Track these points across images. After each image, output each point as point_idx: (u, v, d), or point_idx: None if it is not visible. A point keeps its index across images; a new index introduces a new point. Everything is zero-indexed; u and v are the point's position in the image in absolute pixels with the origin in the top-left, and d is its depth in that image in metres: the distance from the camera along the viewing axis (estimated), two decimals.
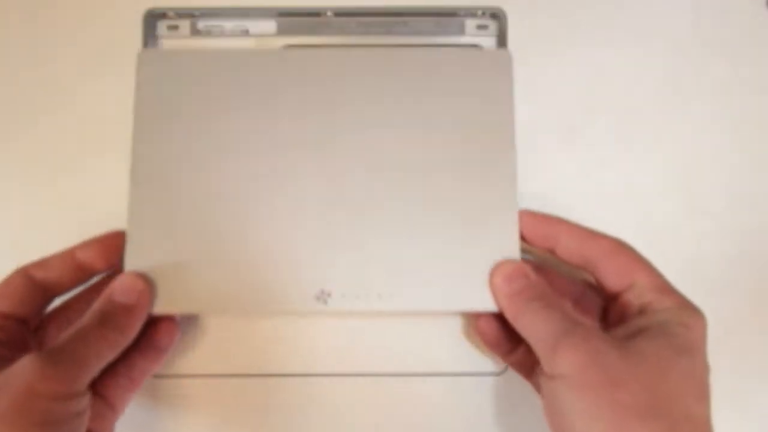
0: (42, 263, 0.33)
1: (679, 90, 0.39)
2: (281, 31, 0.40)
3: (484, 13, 0.40)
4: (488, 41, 0.40)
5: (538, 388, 0.33)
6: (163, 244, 0.34)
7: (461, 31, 0.40)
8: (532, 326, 0.31)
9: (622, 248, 0.33)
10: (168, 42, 0.40)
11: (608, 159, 0.39)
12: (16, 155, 0.38)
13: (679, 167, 0.39)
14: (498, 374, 0.38)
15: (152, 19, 0.39)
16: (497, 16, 0.40)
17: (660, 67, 0.39)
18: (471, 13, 0.40)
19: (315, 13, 0.40)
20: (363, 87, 0.35)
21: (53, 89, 0.38)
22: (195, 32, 0.40)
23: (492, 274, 0.34)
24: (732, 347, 0.38)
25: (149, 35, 0.39)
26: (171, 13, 0.40)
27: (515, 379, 0.37)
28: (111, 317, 0.32)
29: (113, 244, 0.34)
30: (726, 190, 0.39)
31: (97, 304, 0.32)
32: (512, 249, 0.34)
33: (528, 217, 0.34)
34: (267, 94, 0.35)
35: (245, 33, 0.40)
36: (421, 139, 0.35)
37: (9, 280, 0.33)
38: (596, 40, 0.39)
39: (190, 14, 0.40)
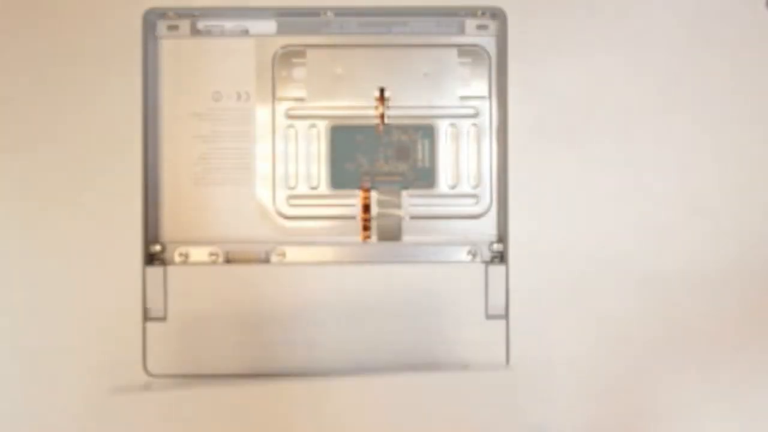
0: None
1: (679, 90, 0.39)
2: (281, 31, 0.40)
3: (483, 13, 0.40)
4: (488, 41, 0.40)
5: None
6: None
7: (461, 31, 0.40)
8: None
9: None
10: (168, 42, 0.40)
11: (608, 159, 0.39)
12: (16, 155, 0.38)
13: (679, 167, 0.39)
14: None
15: (152, 19, 0.39)
16: (497, 16, 0.40)
17: (660, 67, 0.39)
18: (471, 13, 0.40)
19: (315, 13, 0.40)
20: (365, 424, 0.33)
21: (53, 89, 0.38)
22: (195, 32, 0.40)
23: None
24: (732, 347, 0.38)
25: (149, 35, 0.39)
26: (171, 13, 0.40)
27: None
28: None
29: None
30: (726, 190, 0.39)
31: None
32: None
33: None
34: None
35: (245, 33, 0.40)
36: None
37: None
38: (596, 40, 0.39)
39: (190, 14, 0.40)
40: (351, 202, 0.40)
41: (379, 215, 0.40)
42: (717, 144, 0.39)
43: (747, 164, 0.39)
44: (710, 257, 0.39)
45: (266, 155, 0.40)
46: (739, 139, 0.39)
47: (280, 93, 0.40)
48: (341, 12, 0.40)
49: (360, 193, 0.40)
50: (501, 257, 0.39)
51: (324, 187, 0.40)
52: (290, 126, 0.40)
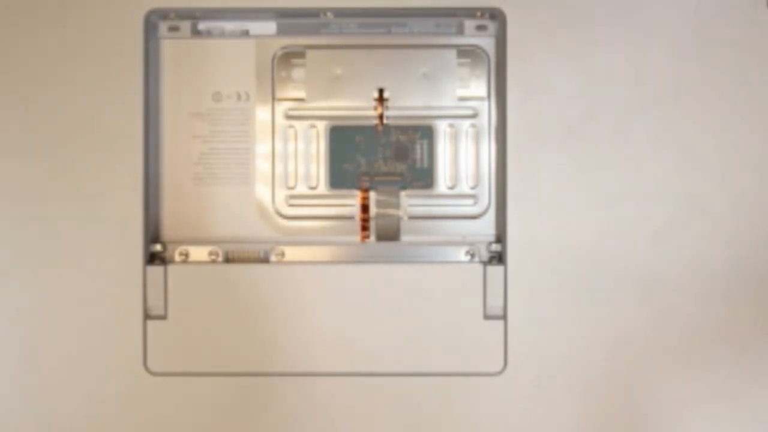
0: None
1: (679, 90, 0.39)
2: (281, 32, 0.40)
3: (483, 14, 0.40)
4: (487, 42, 0.40)
5: None
6: None
7: (460, 31, 0.40)
8: None
9: None
10: (169, 43, 0.40)
11: (608, 159, 0.39)
12: (17, 155, 0.39)
13: (679, 168, 0.39)
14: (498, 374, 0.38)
15: (154, 20, 0.40)
16: (496, 16, 0.40)
17: (660, 67, 0.39)
18: (470, 13, 0.40)
19: (314, 14, 0.40)
20: None
21: (54, 89, 0.39)
22: (195, 33, 0.40)
23: None
24: (732, 348, 0.38)
25: (150, 36, 0.40)
26: (172, 15, 0.40)
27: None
28: None
29: None
30: (726, 190, 0.39)
31: None
32: None
33: None
34: None
35: (245, 34, 0.40)
36: None
37: None
38: (596, 41, 0.39)
39: (191, 15, 0.40)
40: (350, 202, 0.40)
41: (378, 215, 0.40)
42: (717, 144, 0.39)
43: (747, 165, 0.39)
44: (710, 258, 0.38)
45: (266, 155, 0.40)
46: (739, 139, 0.39)
47: (279, 93, 0.40)
48: (341, 13, 0.40)
49: (359, 194, 0.40)
50: (499, 258, 0.39)
51: (323, 187, 0.41)
52: (290, 126, 0.41)
